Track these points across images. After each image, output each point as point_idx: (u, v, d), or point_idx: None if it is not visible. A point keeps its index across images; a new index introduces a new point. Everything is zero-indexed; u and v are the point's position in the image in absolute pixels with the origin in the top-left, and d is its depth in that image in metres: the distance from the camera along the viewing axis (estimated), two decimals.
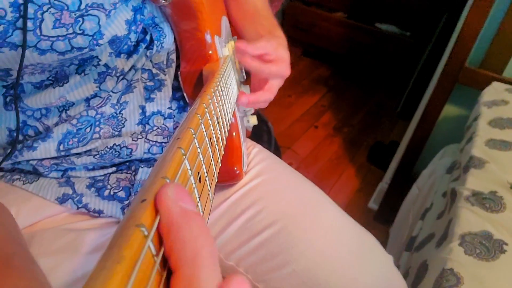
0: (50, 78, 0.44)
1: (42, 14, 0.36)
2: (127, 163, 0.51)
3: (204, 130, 0.28)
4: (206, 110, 0.30)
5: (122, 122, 0.49)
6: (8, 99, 0.45)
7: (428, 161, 1.20)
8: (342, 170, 1.70)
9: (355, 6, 2.33)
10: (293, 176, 0.61)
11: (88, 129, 0.47)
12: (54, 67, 0.42)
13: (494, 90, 1.02)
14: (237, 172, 0.56)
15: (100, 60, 0.43)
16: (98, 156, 0.48)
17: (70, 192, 0.49)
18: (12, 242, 0.32)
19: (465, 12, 1.13)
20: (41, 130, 0.48)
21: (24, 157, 0.48)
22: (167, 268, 0.17)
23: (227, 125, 0.39)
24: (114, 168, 0.50)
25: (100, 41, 0.40)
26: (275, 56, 0.52)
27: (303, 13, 2.43)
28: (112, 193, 0.49)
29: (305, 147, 1.80)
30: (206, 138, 0.28)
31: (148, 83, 0.49)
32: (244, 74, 0.63)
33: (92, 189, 0.49)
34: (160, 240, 0.17)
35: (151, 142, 0.50)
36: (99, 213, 0.49)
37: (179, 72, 0.49)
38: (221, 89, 0.40)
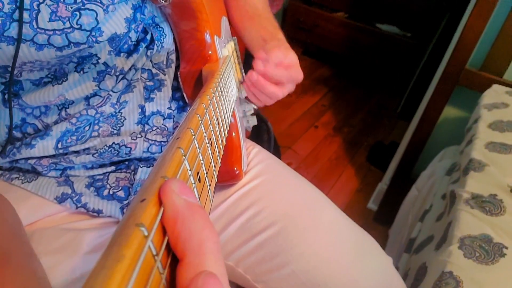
0: (49, 75, 0.44)
1: (38, 5, 0.36)
2: (126, 162, 0.51)
3: (203, 130, 0.28)
4: (205, 110, 0.30)
5: (121, 121, 0.48)
6: (7, 96, 0.45)
7: (428, 162, 1.20)
8: (342, 170, 1.70)
9: (356, 6, 2.32)
10: (292, 177, 0.61)
11: (87, 128, 0.47)
12: (53, 64, 0.42)
13: (494, 93, 1.02)
14: (237, 172, 0.56)
15: (99, 58, 0.43)
16: (97, 154, 0.48)
17: (69, 191, 0.48)
18: (13, 238, 0.32)
19: (467, 14, 1.13)
20: (40, 128, 0.48)
21: (22, 155, 0.47)
22: (167, 267, 0.17)
23: (226, 125, 0.39)
24: (113, 167, 0.50)
25: (99, 38, 0.40)
26: (287, 62, 0.52)
27: (304, 12, 2.42)
28: (111, 192, 0.49)
29: (305, 147, 1.80)
30: (206, 138, 0.28)
31: (148, 83, 0.48)
32: (243, 74, 0.62)
33: (91, 188, 0.49)
34: (160, 240, 0.17)
35: (150, 141, 0.50)
36: (98, 213, 0.49)
37: (178, 73, 0.49)
38: (221, 89, 0.40)
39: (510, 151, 0.78)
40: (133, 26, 0.43)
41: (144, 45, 0.46)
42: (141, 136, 0.50)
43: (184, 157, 0.22)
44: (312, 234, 0.52)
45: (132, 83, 0.48)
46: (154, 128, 0.50)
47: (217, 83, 0.39)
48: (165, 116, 0.50)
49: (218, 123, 0.34)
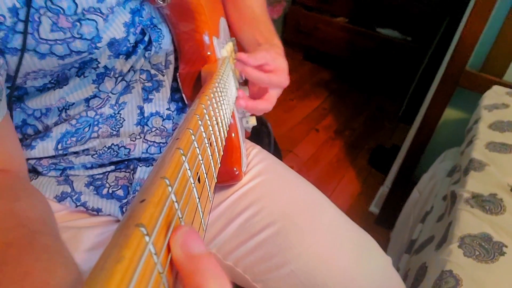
0: (52, 81, 0.45)
1: (39, 17, 0.36)
2: (126, 162, 0.51)
3: (203, 131, 0.28)
4: (205, 111, 0.30)
5: (121, 122, 0.49)
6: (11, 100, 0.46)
7: (429, 164, 1.20)
8: (343, 174, 1.69)
9: (357, 10, 2.33)
10: (292, 177, 0.61)
11: (86, 129, 0.48)
12: (56, 71, 0.43)
13: (494, 94, 1.02)
14: (237, 172, 0.56)
15: (99, 62, 0.44)
16: (96, 155, 0.49)
17: (69, 190, 0.49)
18: (39, 222, 0.33)
19: (466, 15, 1.13)
20: (40, 129, 0.48)
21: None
22: (168, 267, 0.17)
23: (226, 126, 0.39)
24: (112, 167, 0.51)
25: (99, 44, 0.41)
26: (274, 66, 0.52)
27: (305, 17, 2.43)
28: (110, 191, 0.49)
29: (306, 150, 1.79)
30: (205, 139, 0.28)
31: (146, 84, 0.49)
32: (242, 75, 0.63)
33: (91, 187, 0.49)
34: (160, 241, 0.17)
35: (149, 142, 0.50)
36: (97, 211, 0.49)
37: (178, 74, 0.50)
38: (220, 90, 0.40)
39: (511, 151, 0.78)
40: (131, 30, 0.44)
41: (142, 47, 0.46)
42: (140, 137, 0.50)
43: (183, 158, 0.22)
44: (312, 234, 0.52)
45: (131, 84, 0.48)
46: (153, 129, 0.50)
47: (216, 84, 0.39)
48: (164, 117, 0.51)
49: (217, 124, 0.34)
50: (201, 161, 0.26)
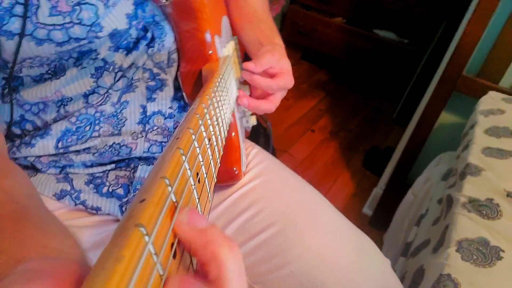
0: (49, 71, 0.44)
1: (38, 0, 0.36)
2: (126, 161, 0.51)
3: (203, 131, 0.28)
4: (205, 110, 0.30)
5: (123, 121, 0.48)
6: (5, 91, 0.45)
7: (423, 167, 1.21)
8: (338, 175, 1.70)
9: (355, 12, 2.34)
10: (292, 178, 0.61)
11: (87, 127, 0.47)
12: (53, 60, 0.42)
13: (490, 99, 1.03)
14: (236, 172, 0.56)
15: (98, 54, 0.43)
16: (97, 154, 0.48)
17: (68, 188, 0.48)
18: (28, 197, 0.33)
19: (465, 21, 1.14)
20: (39, 125, 0.48)
21: (22, 153, 0.47)
22: (168, 266, 0.17)
23: (226, 126, 0.39)
24: (113, 165, 0.50)
25: (100, 34, 0.40)
26: (278, 68, 0.52)
27: (303, 17, 2.44)
28: (110, 190, 0.49)
29: (301, 151, 1.80)
30: (206, 139, 0.28)
31: (149, 83, 0.48)
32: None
33: (91, 185, 0.49)
34: (160, 241, 0.17)
35: (151, 141, 0.50)
36: (97, 210, 0.48)
37: (178, 72, 0.49)
38: (221, 89, 0.40)
39: (506, 157, 0.78)
40: (134, 22, 0.43)
41: (144, 43, 0.46)
42: (142, 136, 0.49)
43: (183, 158, 0.22)
44: (311, 235, 0.52)
45: (134, 83, 0.48)
46: (155, 127, 0.50)
47: (217, 83, 0.39)
48: (166, 116, 0.50)
49: (217, 123, 0.34)
50: (201, 161, 0.26)
